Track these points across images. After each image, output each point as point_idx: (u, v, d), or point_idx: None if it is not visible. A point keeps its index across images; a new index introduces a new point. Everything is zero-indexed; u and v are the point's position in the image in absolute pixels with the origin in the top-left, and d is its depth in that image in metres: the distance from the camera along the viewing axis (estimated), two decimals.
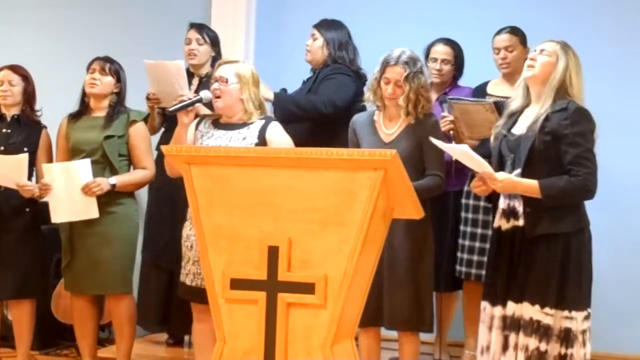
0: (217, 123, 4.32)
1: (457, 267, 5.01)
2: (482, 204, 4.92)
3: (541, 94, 3.91)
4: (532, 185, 3.79)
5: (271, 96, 4.83)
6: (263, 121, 4.27)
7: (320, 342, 3.15)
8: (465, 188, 4.99)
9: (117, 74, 4.90)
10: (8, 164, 4.77)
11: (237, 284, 3.24)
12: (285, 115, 4.76)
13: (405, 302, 4.24)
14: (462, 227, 5.01)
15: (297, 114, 4.86)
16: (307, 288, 3.16)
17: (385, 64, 4.28)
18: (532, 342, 3.81)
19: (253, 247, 3.23)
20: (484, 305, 3.96)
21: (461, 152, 3.84)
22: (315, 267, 3.17)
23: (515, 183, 3.81)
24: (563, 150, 3.81)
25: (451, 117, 4.74)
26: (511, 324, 3.87)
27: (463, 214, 5.01)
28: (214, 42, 5.35)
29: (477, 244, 4.94)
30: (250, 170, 3.26)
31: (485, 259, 4.81)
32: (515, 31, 5.01)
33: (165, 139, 5.08)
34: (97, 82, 4.84)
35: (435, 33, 5.32)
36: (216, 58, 5.22)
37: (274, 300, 3.19)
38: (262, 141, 4.18)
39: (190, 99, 4.28)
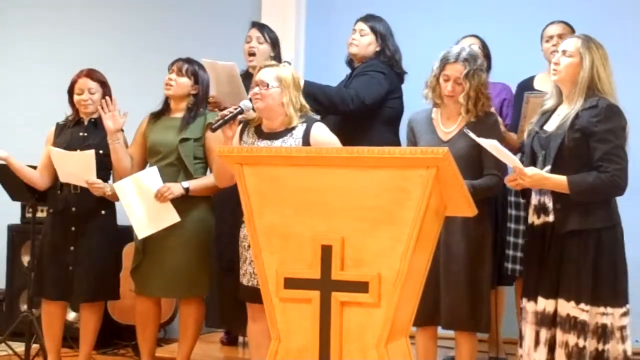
0: (260, 132, 4.28)
1: (508, 265, 4.96)
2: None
3: (571, 94, 3.93)
4: (561, 181, 3.82)
5: (301, 83, 4.83)
6: (305, 124, 4.22)
7: (374, 341, 3.14)
8: None
9: (195, 75, 4.88)
10: (75, 160, 4.81)
11: (291, 283, 3.25)
12: (312, 103, 4.75)
13: (462, 301, 4.20)
14: (510, 225, 4.96)
15: (324, 104, 4.80)
16: (360, 287, 3.15)
17: (445, 61, 4.23)
18: (572, 339, 3.82)
19: (306, 246, 3.23)
20: (524, 302, 3.99)
21: (491, 146, 3.86)
22: (368, 266, 3.16)
23: (544, 179, 3.84)
24: (592, 147, 3.83)
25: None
26: (542, 320, 3.88)
27: (513, 212, 4.96)
28: (274, 43, 5.33)
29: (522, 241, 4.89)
30: (302, 169, 3.26)
31: None
32: (566, 23, 4.99)
33: None
34: (172, 83, 4.85)
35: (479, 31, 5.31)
36: (275, 59, 5.21)
37: (327, 299, 3.19)
38: (306, 145, 4.13)
39: (231, 112, 4.25)
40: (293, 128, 4.21)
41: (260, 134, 4.28)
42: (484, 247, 4.26)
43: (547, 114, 4.02)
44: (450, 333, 4.44)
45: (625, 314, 3.86)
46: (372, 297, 3.14)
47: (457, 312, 4.22)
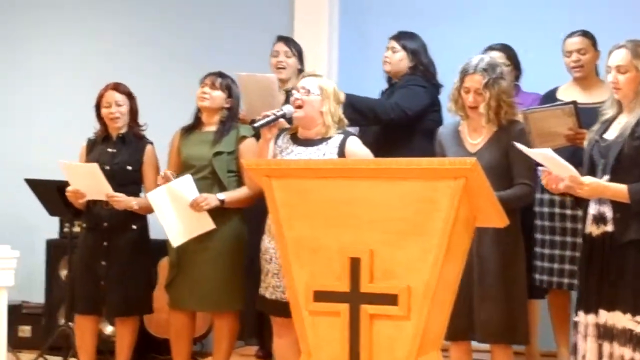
0: (296, 138, 4.32)
1: (537, 276, 4.89)
2: (557, 210, 4.81)
3: (632, 104, 3.87)
4: (620, 190, 3.73)
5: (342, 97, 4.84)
6: (342, 136, 4.26)
7: (404, 354, 3.12)
8: (538, 195, 4.87)
9: (229, 88, 4.89)
10: (82, 172, 4.82)
11: (321, 296, 3.24)
12: (354, 113, 4.73)
13: (497, 313, 4.13)
14: (539, 235, 4.88)
15: (364, 113, 4.84)
16: (390, 299, 3.13)
17: (464, 73, 4.21)
18: (627, 352, 3.73)
19: (335, 259, 3.22)
20: (580, 314, 3.90)
21: (544, 156, 3.78)
22: (397, 278, 3.14)
23: (603, 188, 3.76)
24: None
25: None
26: (605, 333, 3.80)
27: (539, 222, 4.88)
28: (300, 56, 5.37)
29: (557, 252, 4.81)
30: (330, 181, 3.26)
31: (566, 266, 4.75)
32: (586, 34, 4.91)
33: None
34: (207, 96, 4.86)
35: (513, 39, 5.25)
36: (301, 71, 5.23)
37: (357, 312, 3.17)
38: (341, 156, 4.17)
39: (274, 114, 4.30)
40: (329, 138, 4.26)
41: (296, 140, 4.32)
42: (518, 257, 4.21)
43: (607, 123, 3.95)
44: (486, 346, 4.39)
45: None
46: (402, 310, 3.12)
47: (493, 325, 4.15)
